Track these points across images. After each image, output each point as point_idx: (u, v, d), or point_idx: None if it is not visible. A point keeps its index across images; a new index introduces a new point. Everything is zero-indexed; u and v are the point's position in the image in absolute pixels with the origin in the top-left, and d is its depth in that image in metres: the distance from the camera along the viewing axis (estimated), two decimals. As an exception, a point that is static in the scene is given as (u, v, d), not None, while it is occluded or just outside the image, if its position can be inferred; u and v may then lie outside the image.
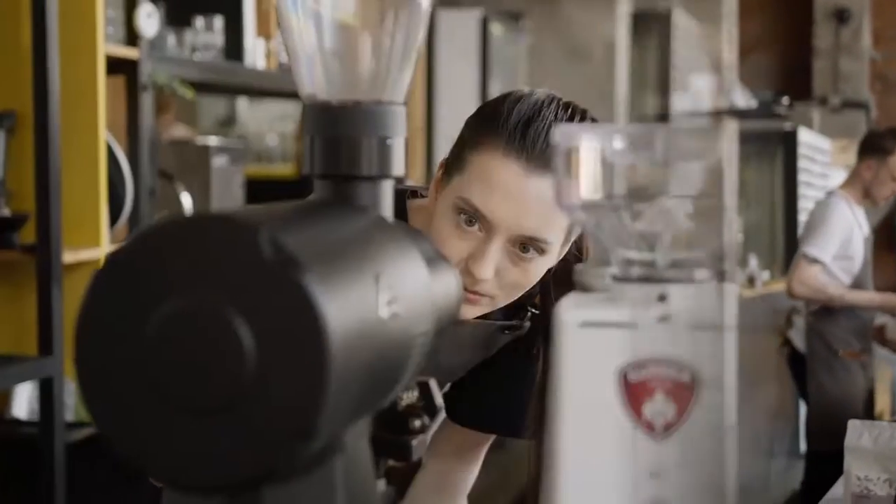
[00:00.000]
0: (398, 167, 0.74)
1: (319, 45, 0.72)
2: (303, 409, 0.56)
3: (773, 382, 5.12)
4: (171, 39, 3.07)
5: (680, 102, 5.99)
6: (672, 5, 6.85)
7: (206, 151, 3.23)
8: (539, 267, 1.25)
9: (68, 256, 2.46)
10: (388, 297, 0.64)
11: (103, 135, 2.59)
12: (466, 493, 1.53)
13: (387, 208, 0.74)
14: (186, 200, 3.09)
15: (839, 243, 4.39)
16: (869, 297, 4.56)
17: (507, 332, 1.39)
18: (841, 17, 7.54)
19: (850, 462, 1.83)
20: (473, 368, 1.42)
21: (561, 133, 0.68)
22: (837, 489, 2.00)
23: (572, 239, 1.29)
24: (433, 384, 0.82)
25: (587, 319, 0.64)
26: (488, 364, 1.43)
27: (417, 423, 0.80)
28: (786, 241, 6.55)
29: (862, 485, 1.81)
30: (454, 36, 5.15)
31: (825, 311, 4.38)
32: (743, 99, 6.73)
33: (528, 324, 1.39)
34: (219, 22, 3.25)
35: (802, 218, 6.47)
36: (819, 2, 7.59)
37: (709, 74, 6.07)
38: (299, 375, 0.56)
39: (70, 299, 2.42)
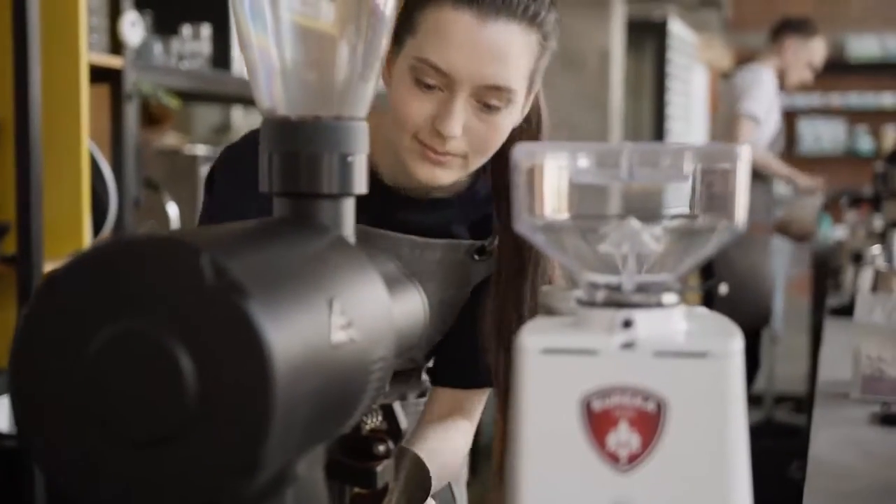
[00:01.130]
0: (360, 185, 0.71)
1: (279, 58, 0.70)
2: (246, 441, 0.54)
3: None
4: (158, 48, 3.04)
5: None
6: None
7: (194, 161, 3.20)
8: (505, 120, 1.24)
9: (50, 268, 2.43)
10: (342, 321, 0.62)
11: (86, 144, 2.56)
12: (469, 437, 1.46)
13: (348, 227, 0.71)
14: (173, 210, 3.07)
15: (765, 108, 4.45)
16: (785, 168, 4.65)
17: (477, 256, 1.36)
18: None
19: (860, 340, 1.64)
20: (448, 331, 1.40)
21: (523, 151, 0.65)
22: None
23: (535, 90, 1.29)
24: (397, 406, 0.80)
25: (549, 346, 0.62)
26: (459, 322, 1.41)
27: (382, 448, 0.77)
28: (653, 132, 6.55)
29: (874, 364, 1.63)
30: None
31: None
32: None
33: (496, 243, 1.36)
34: (206, 30, 3.23)
35: (669, 111, 6.57)
36: None
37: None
38: (242, 405, 0.54)
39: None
